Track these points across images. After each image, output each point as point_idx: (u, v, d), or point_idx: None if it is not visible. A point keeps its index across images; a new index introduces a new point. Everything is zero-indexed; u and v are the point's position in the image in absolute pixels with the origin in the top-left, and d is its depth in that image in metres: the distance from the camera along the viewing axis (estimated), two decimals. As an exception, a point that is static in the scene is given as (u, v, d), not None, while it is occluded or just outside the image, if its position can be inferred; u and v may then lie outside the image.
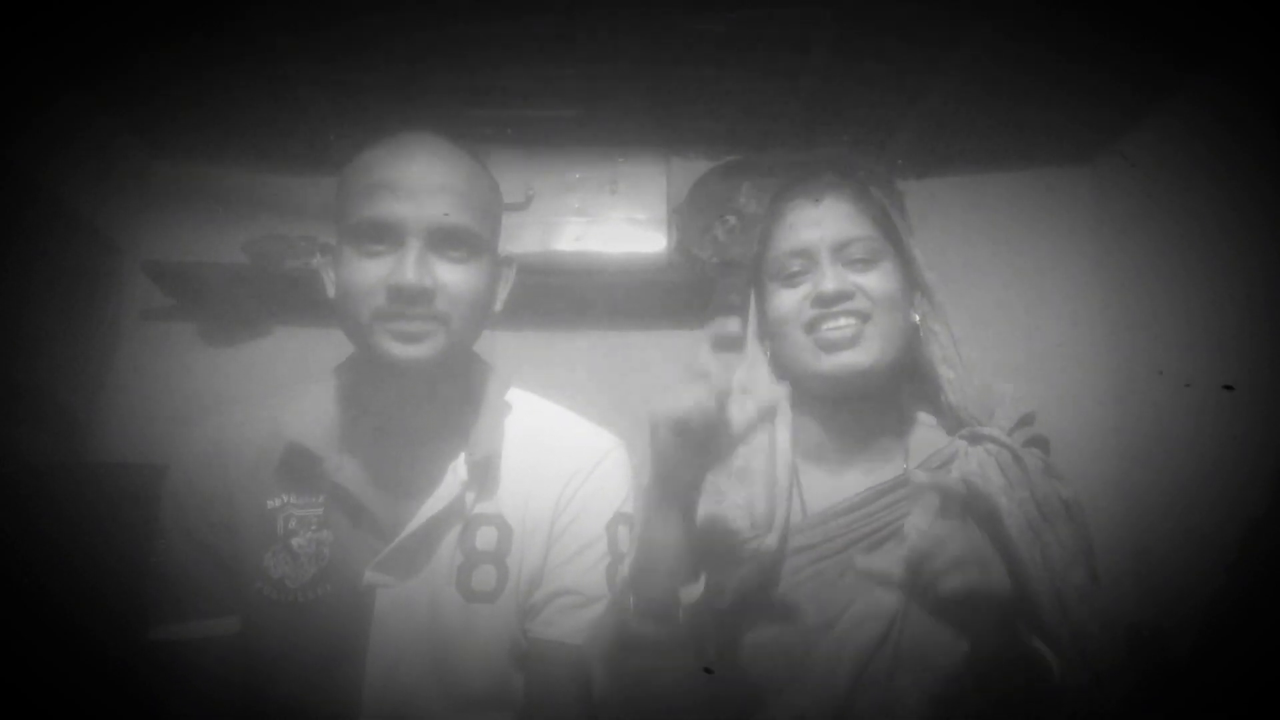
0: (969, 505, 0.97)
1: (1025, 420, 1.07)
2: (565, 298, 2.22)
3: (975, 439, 1.05)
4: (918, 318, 1.08)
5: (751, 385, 0.95)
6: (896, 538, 0.98)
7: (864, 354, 1.02)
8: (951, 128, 2.08)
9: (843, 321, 1.02)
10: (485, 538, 1.09)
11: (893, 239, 1.08)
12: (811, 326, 1.04)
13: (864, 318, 1.03)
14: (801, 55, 1.84)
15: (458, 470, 1.09)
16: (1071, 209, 2.28)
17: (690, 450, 0.87)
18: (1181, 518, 1.89)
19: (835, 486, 1.06)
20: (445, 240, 1.04)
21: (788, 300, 1.06)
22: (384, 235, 1.03)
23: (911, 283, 1.09)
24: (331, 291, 1.09)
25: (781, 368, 1.10)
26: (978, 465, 1.01)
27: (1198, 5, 1.60)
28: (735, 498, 1.00)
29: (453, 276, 1.04)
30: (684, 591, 0.90)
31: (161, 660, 1.07)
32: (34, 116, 1.86)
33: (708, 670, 0.92)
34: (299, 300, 2.15)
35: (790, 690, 0.95)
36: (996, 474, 1.01)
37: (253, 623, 1.07)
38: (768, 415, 0.90)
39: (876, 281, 1.04)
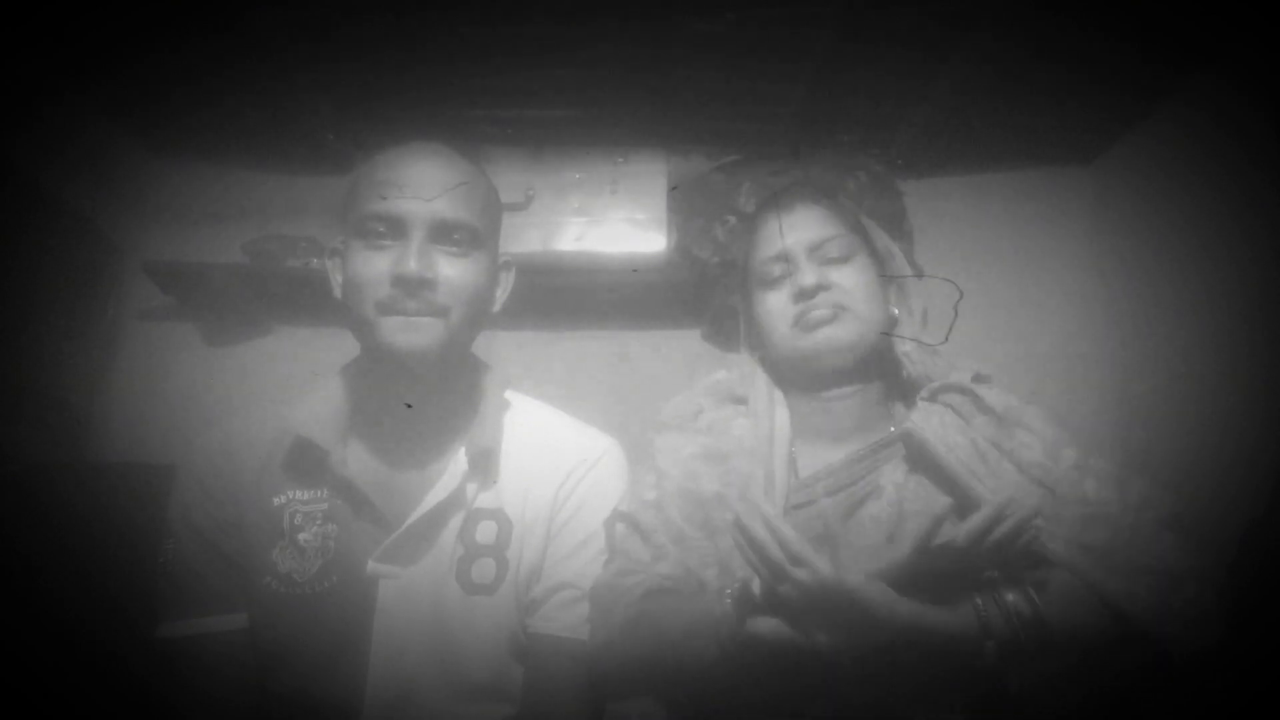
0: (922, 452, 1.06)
1: (980, 378, 1.15)
2: (565, 298, 2.22)
3: (933, 395, 1.13)
4: (896, 311, 1.18)
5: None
6: (875, 493, 1.08)
7: (843, 330, 1.12)
8: (952, 128, 2.08)
9: (822, 309, 1.12)
10: (485, 531, 1.13)
11: (864, 238, 1.18)
12: (795, 320, 1.13)
13: (841, 307, 1.12)
14: (802, 56, 1.84)
15: (459, 462, 1.12)
16: (1071, 209, 2.28)
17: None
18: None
19: (825, 459, 1.14)
20: (446, 233, 1.09)
21: (773, 301, 1.16)
22: (389, 227, 1.08)
23: (887, 277, 1.18)
24: (338, 292, 1.14)
25: (772, 367, 1.20)
26: (922, 416, 1.09)
27: (1197, 5, 1.60)
28: (725, 474, 1.09)
29: (453, 269, 1.09)
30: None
31: (169, 657, 1.09)
32: (34, 117, 1.86)
33: None
34: (299, 300, 2.16)
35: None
36: (951, 417, 1.09)
37: (261, 616, 1.10)
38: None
39: (850, 276, 1.14)
